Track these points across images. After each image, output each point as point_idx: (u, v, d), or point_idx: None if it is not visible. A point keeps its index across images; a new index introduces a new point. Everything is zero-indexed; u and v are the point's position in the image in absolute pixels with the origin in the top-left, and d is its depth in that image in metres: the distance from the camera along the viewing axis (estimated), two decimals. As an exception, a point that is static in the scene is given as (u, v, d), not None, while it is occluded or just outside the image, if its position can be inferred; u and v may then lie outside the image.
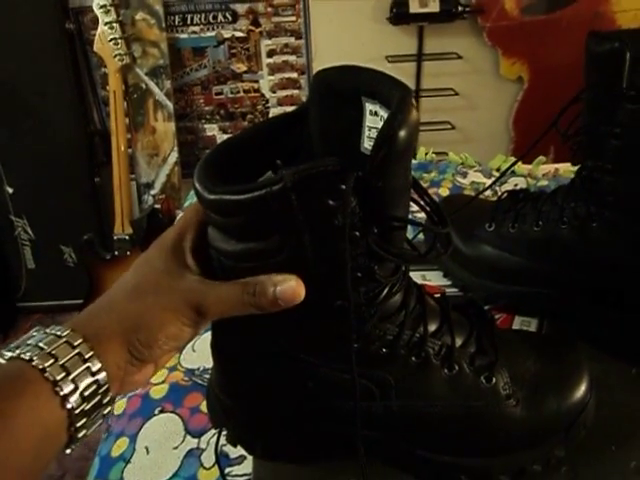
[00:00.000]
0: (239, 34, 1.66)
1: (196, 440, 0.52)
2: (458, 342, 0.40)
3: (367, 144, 0.35)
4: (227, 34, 1.66)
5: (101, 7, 1.46)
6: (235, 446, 0.43)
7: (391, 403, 0.38)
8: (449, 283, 0.65)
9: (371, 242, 0.33)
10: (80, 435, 0.30)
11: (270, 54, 1.70)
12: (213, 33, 1.66)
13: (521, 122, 1.78)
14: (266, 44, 1.68)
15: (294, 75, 1.73)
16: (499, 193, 0.67)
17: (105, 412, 0.32)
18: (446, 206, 0.65)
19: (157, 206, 1.71)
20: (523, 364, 0.41)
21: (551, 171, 0.95)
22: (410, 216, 0.35)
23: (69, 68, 1.60)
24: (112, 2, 1.46)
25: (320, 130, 0.38)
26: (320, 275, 0.33)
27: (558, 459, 0.41)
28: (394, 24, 1.61)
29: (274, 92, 1.75)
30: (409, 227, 0.36)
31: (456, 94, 1.74)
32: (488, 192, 0.79)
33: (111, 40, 1.50)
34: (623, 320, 0.52)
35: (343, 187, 0.30)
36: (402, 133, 0.30)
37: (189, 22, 1.64)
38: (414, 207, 0.36)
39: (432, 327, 0.39)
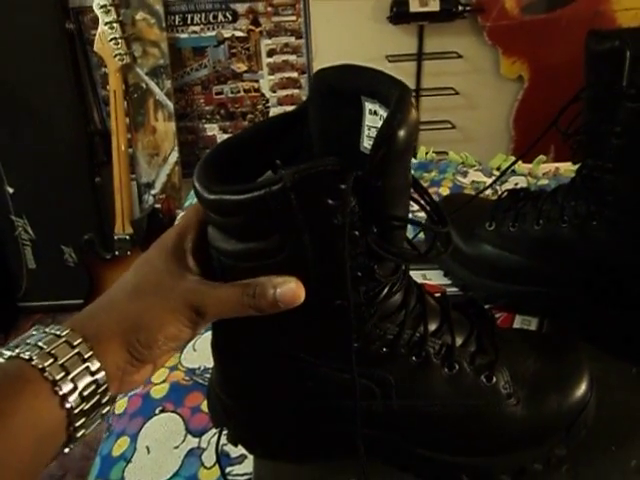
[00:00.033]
0: (239, 34, 1.66)
1: (197, 439, 0.52)
2: (458, 341, 0.39)
3: (367, 143, 0.35)
4: (227, 34, 1.66)
5: (101, 7, 1.46)
6: (236, 445, 0.43)
7: (391, 402, 0.38)
8: (449, 282, 0.64)
9: (371, 241, 0.33)
10: (79, 435, 0.30)
11: (270, 54, 1.70)
12: (213, 33, 1.66)
13: (521, 121, 1.77)
14: (266, 44, 1.68)
15: (294, 75, 1.73)
16: (499, 192, 0.67)
17: (104, 412, 0.32)
18: (446, 205, 0.65)
19: (157, 206, 1.72)
20: (523, 363, 0.41)
21: (551, 170, 0.95)
22: (410, 215, 0.35)
23: (69, 68, 1.60)
24: (112, 2, 1.46)
25: (320, 129, 0.37)
26: (320, 275, 0.33)
27: (559, 458, 0.40)
28: (394, 23, 1.61)
29: (274, 92, 1.75)
30: (409, 226, 0.36)
31: (456, 93, 1.74)
32: (488, 191, 0.79)
33: (111, 40, 1.50)
34: (623, 319, 0.52)
35: (343, 187, 0.30)
36: (401, 132, 0.30)
37: (189, 22, 1.64)
38: (414, 206, 0.36)
39: (432, 326, 0.39)
